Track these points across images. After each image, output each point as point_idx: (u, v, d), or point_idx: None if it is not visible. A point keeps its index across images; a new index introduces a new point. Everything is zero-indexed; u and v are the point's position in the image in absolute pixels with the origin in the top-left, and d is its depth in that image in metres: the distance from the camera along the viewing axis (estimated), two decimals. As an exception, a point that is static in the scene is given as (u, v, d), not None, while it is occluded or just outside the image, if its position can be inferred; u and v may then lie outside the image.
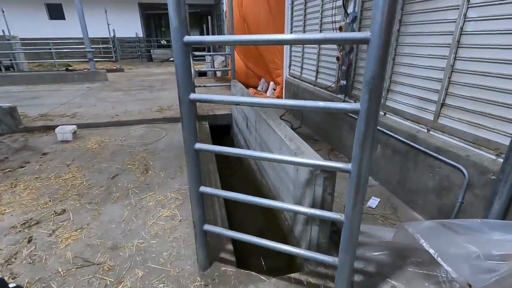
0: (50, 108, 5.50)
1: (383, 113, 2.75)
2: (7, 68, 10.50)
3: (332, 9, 2.98)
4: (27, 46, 12.87)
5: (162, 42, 21.57)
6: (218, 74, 10.49)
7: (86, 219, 2.25)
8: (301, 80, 4.39)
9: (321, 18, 3.52)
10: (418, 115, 2.46)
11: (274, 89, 6.00)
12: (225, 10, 12.71)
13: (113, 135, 4.16)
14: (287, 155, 1.85)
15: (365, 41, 0.97)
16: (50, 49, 10.18)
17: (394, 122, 2.66)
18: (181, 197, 2.56)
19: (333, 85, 3.34)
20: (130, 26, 16.90)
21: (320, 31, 3.58)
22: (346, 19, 2.93)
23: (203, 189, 1.54)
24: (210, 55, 9.80)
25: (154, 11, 19.01)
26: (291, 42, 1.15)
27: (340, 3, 3.01)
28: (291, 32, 4.66)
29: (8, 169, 3.11)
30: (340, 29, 2.93)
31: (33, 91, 7.48)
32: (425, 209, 2.36)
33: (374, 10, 0.91)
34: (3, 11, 11.57)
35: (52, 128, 4.41)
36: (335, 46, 3.23)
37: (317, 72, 3.82)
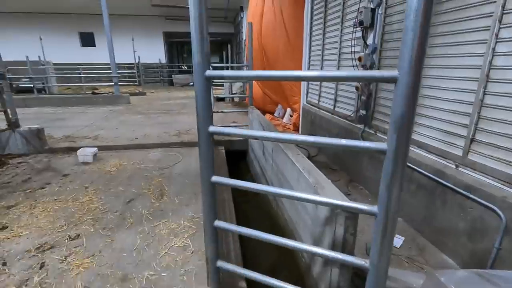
0: (75, 130, 5.72)
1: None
2: (39, 90, 11.20)
3: (351, 40, 3.00)
4: (59, 70, 13.79)
5: (183, 67, 22.61)
6: (236, 99, 10.71)
7: (98, 246, 2.22)
8: (319, 108, 4.37)
9: (340, 48, 3.55)
10: (444, 149, 2.34)
11: (291, 116, 6.01)
12: (244, 38, 13.24)
13: (132, 158, 4.23)
14: (305, 188, 1.78)
15: (393, 80, 0.93)
16: (80, 73, 10.82)
17: (418, 155, 2.55)
18: (194, 226, 2.50)
19: (352, 115, 3.28)
20: (154, 53, 17.86)
21: (339, 61, 3.60)
22: (365, 50, 2.93)
23: (218, 223, 1.48)
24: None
25: (177, 39, 20.09)
26: (314, 79, 1.13)
27: (359, 34, 3.03)
28: (309, 63, 4.72)
29: (29, 190, 3.18)
30: (360, 59, 2.92)
31: (61, 112, 7.87)
32: (456, 252, 2.17)
33: (402, 47, 0.87)
34: (40, 39, 12.62)
35: (74, 149, 4.55)
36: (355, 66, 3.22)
37: (335, 100, 3.79)
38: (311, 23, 4.53)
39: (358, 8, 2.82)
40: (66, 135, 5.30)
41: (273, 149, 2.89)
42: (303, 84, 4.98)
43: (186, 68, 22.38)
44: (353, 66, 3.05)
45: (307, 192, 1.66)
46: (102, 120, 6.80)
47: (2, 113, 4.25)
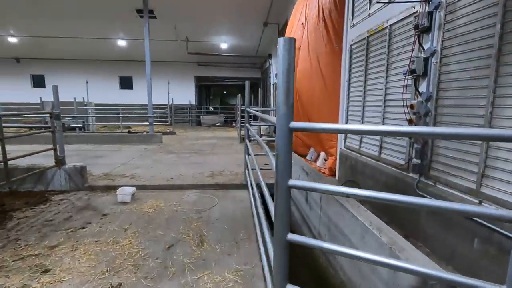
0: (112, 168, 5.88)
1: (478, 201, 2.40)
2: (80, 128, 11.97)
3: (403, 87, 2.96)
4: (98, 110, 14.83)
5: (210, 108, 23.72)
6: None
7: (141, 298, 2.07)
8: (360, 154, 4.23)
9: (385, 95, 3.51)
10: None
11: (325, 160, 5.86)
12: (272, 83, 13.79)
13: (168, 199, 4.19)
14: (375, 248, 1.59)
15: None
16: (118, 113, 11.54)
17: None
18: (240, 280, 2.31)
19: (404, 163, 3.11)
20: (185, 95, 18.95)
21: (384, 107, 3.54)
22: (418, 98, 2.86)
23: (290, 288, 1.32)
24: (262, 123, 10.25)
25: (206, 82, 21.36)
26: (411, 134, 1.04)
27: (409, 82, 2.99)
28: (348, 109, 4.70)
29: (71, 229, 3.17)
30: (412, 107, 2.84)
31: (99, 150, 8.24)
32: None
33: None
34: (87, 82, 13.86)
35: (113, 188, 4.62)
36: (402, 117, 3.11)
37: (381, 147, 3.65)
38: (349, 70, 4.60)
39: (410, 58, 2.81)
40: (105, 173, 5.44)
41: (322, 197, 2.74)
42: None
43: (212, 109, 23.48)
44: (404, 113, 2.96)
45: (377, 253, 1.48)
46: (137, 158, 7.00)
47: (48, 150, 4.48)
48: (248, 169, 4.88)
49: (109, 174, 5.40)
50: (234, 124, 19.89)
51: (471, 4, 2.30)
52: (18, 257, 2.58)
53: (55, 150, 4.48)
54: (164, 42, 13.80)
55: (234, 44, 15.47)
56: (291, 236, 1.27)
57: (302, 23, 6.21)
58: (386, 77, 3.50)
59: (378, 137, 3.71)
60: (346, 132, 1.24)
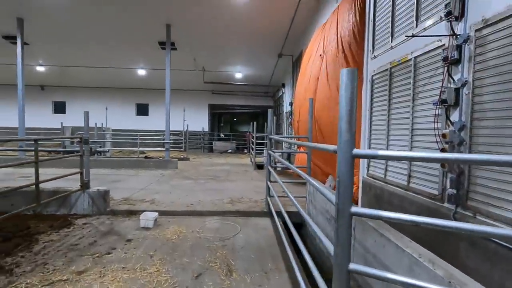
0: (132, 192, 5.91)
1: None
2: (100, 153, 12.24)
3: (434, 116, 2.97)
4: (115, 135, 15.22)
5: (221, 135, 24.11)
6: (279, 168, 10.76)
7: (175, 331, 1.99)
8: (385, 183, 4.15)
9: (412, 124, 3.53)
10: None
11: (345, 188, 5.77)
12: (285, 111, 14.03)
13: (190, 225, 4.14)
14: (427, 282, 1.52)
15: None
16: (136, 138, 11.81)
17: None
18: (276, 314, 2.20)
19: (438, 194, 3.03)
20: (199, 122, 19.38)
21: (412, 136, 3.53)
22: (449, 127, 2.86)
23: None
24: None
25: (219, 110, 21.89)
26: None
27: (439, 111, 3.00)
28: (370, 138, 4.71)
29: (97, 254, 3.14)
30: (444, 136, 2.83)
31: (116, 174, 8.34)
32: None
33: None
34: (106, 109, 14.41)
35: (134, 213, 4.62)
36: (434, 142, 3.09)
37: (410, 176, 3.59)
38: (371, 100, 4.67)
39: (441, 88, 2.86)
40: (125, 197, 5.46)
41: (356, 226, 2.67)
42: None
43: (223, 136, 23.87)
44: (437, 142, 2.94)
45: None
46: (155, 183, 7.04)
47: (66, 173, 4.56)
48: (270, 196, 4.84)
49: (129, 198, 5.42)
50: (245, 151, 20.02)
51: (500, 39, 2.37)
52: (47, 282, 2.55)
53: (81, 173, 4.57)
54: (182, 71, 14.42)
55: (248, 74, 16.03)
56: (353, 266, 1.24)
57: (320, 55, 6.44)
58: (413, 106, 3.53)
59: (406, 166, 3.66)
60: (411, 159, 1.25)
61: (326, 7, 7.28)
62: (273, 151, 4.74)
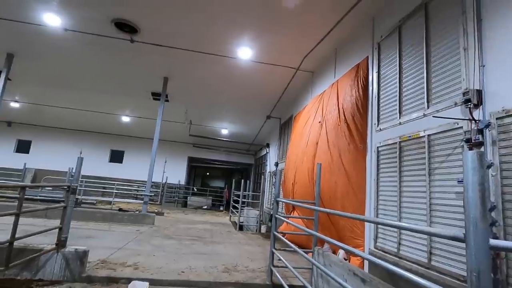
0: (109, 253, 5.12)
1: None
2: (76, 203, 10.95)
3: (457, 193, 3.02)
4: (86, 182, 13.96)
5: (194, 189, 23.14)
6: (263, 230, 10.24)
7: None
8: (399, 258, 3.97)
9: (429, 199, 3.56)
10: None
11: (346, 259, 5.45)
12: (269, 171, 14.02)
13: (186, 301, 3.53)
14: None
15: None
16: (107, 187, 10.85)
17: None
18: None
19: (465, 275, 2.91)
20: (177, 174, 18.63)
21: (430, 211, 3.53)
22: (476, 206, 2.90)
23: None
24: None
25: (197, 163, 21.45)
26: None
27: (459, 189, 3.07)
28: (377, 208, 4.68)
29: None
30: (472, 215, 2.84)
31: (87, 228, 7.35)
32: None
33: None
34: (80, 153, 13.47)
35: (116, 280, 3.93)
36: (457, 212, 3.07)
37: (430, 253, 3.48)
38: (377, 170, 4.78)
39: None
40: (102, 259, 4.69)
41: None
42: (368, 225, 4.77)
43: (196, 190, 22.88)
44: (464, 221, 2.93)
45: None
46: (133, 242, 6.23)
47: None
48: (273, 266, 4.40)
49: (107, 261, 4.66)
50: (221, 208, 19.11)
51: (521, 127, 2.60)
52: None
53: (60, 228, 3.92)
54: (169, 122, 14.32)
55: (234, 131, 16.29)
56: None
57: (319, 122, 6.74)
58: (429, 181, 3.61)
59: (425, 241, 3.57)
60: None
61: (321, 79, 7.92)
62: (280, 215, 4.49)
